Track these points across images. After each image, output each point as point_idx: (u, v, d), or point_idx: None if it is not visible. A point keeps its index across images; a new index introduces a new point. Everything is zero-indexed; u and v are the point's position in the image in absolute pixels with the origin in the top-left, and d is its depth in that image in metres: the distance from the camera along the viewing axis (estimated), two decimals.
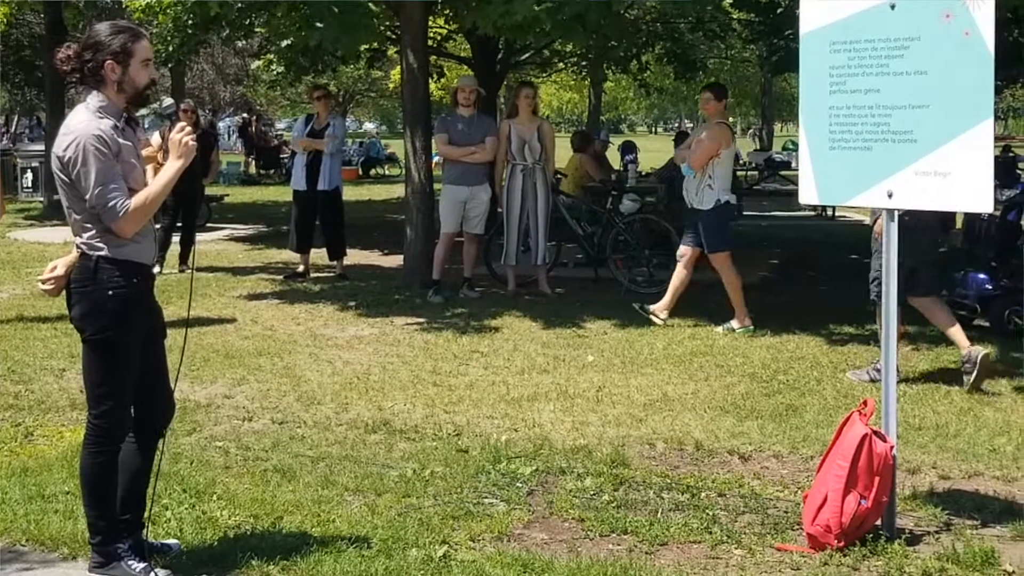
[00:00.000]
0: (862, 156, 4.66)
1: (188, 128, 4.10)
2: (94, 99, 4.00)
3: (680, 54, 17.37)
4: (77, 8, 18.53)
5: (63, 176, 3.96)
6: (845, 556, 4.35)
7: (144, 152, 4.27)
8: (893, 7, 4.55)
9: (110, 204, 3.91)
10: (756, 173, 25.11)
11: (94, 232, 3.98)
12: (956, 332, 7.43)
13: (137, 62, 4.00)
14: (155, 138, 11.07)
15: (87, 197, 3.92)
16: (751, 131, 63.99)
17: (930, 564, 4.29)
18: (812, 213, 19.65)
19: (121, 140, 3.99)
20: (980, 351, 7.11)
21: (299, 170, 11.86)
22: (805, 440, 5.91)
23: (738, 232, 15.75)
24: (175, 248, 12.33)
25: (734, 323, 8.95)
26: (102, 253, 3.99)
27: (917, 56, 4.48)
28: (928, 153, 4.46)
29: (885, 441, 4.49)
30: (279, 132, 42.68)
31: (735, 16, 17.66)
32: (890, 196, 4.59)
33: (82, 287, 4.02)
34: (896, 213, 4.66)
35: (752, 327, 8.88)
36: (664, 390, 7.05)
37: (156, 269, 11.66)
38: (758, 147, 36.42)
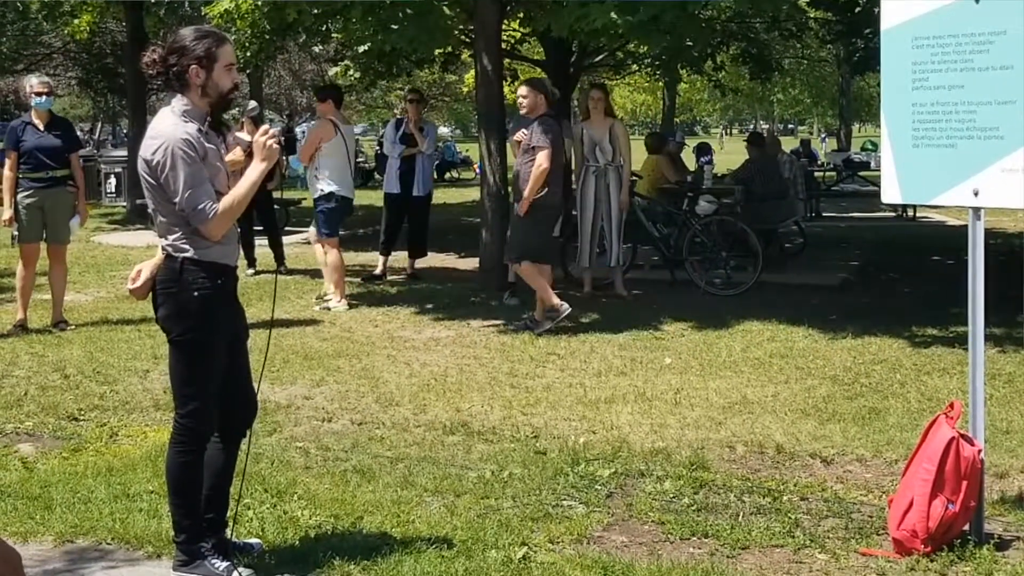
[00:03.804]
0: (946, 153, 4.57)
1: (272, 131, 4.11)
2: (178, 103, 4.05)
3: (755, 54, 17.15)
4: (158, 16, 18.84)
5: (150, 179, 4.02)
6: (932, 561, 4.26)
7: (228, 158, 4.30)
8: (977, 1, 4.46)
9: (199, 207, 3.97)
10: (834, 174, 24.74)
11: (180, 234, 4.04)
12: (547, 295, 8.90)
13: (221, 66, 4.04)
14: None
15: (176, 200, 3.97)
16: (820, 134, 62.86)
17: (1020, 569, 4.20)
18: (892, 214, 19.30)
19: (206, 143, 4.04)
20: (546, 325, 8.81)
21: (392, 174, 12.28)
22: (889, 444, 5.81)
23: (816, 234, 15.72)
24: (265, 251, 12.60)
25: (331, 301, 10.14)
26: (187, 255, 4.04)
27: (1002, 51, 4.38)
28: (1015, 150, 4.37)
29: (973, 445, 4.40)
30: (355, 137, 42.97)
31: (812, 15, 17.43)
32: (976, 194, 4.50)
33: (167, 288, 4.07)
34: (982, 212, 4.56)
35: (347, 306, 10.00)
36: (743, 392, 6.98)
37: (250, 271, 11.98)
38: (836, 147, 35.87)
